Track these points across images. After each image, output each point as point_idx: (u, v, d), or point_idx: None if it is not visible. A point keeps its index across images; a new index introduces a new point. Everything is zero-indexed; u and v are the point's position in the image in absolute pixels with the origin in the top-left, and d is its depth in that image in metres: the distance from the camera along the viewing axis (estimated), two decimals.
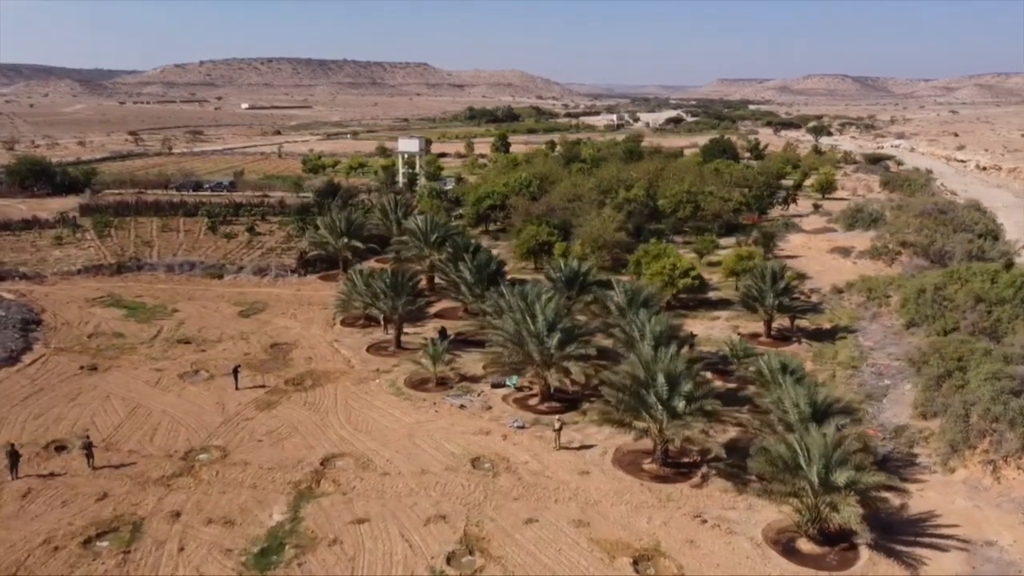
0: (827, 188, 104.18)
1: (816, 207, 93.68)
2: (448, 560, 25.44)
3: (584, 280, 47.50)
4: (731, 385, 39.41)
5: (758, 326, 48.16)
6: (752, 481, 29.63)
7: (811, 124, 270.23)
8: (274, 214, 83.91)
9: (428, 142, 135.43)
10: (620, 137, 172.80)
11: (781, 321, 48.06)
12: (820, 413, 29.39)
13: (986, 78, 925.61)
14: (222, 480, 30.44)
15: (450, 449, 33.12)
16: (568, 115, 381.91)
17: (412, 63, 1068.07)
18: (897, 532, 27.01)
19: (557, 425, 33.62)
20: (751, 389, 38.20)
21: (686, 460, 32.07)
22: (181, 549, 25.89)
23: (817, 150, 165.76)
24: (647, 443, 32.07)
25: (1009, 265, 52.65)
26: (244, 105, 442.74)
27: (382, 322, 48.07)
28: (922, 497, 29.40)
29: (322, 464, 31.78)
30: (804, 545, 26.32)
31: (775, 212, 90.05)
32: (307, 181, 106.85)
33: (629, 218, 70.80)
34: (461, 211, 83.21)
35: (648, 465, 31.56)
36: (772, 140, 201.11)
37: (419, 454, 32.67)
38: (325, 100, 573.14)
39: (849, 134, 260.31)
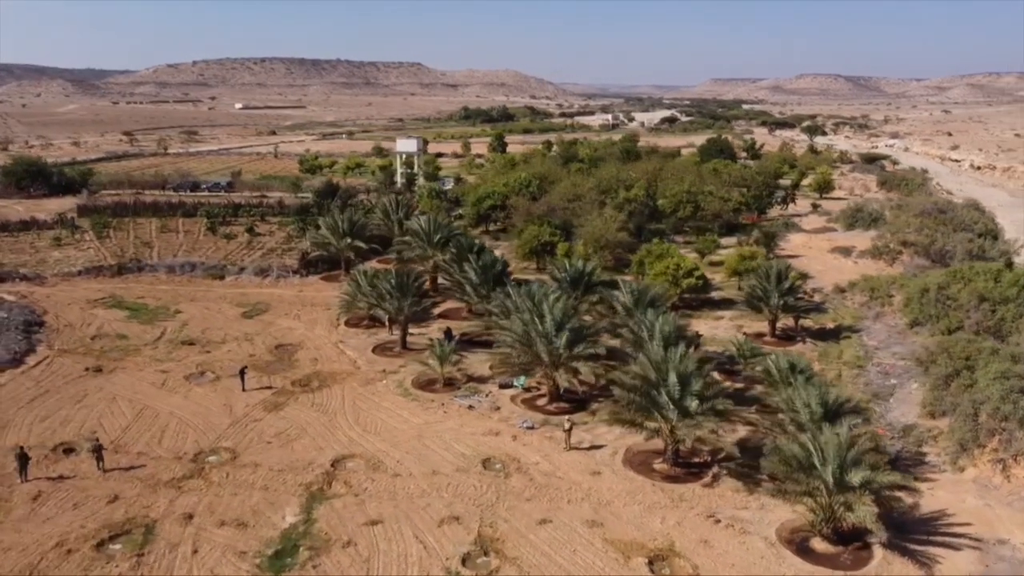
0: (825, 188, 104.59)
1: (815, 207, 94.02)
2: (463, 561, 25.41)
3: (589, 280, 47.52)
4: (738, 385, 39.48)
5: (762, 326, 48.27)
6: (764, 481, 29.72)
7: (805, 124, 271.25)
8: (273, 214, 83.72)
9: (425, 142, 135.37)
10: (616, 137, 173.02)
11: (785, 321, 48.17)
12: (831, 413, 29.49)
13: (978, 78, 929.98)
14: (233, 482, 30.35)
15: (460, 450, 33.09)
16: (563, 115, 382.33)
17: (406, 63, 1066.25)
18: (909, 531, 27.10)
19: (567, 425, 33.62)
20: (758, 389, 38.39)
21: (696, 460, 32.12)
22: (195, 551, 25.80)
23: (813, 150, 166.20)
24: (657, 443, 32.12)
25: (1009, 264, 52.96)
26: (238, 105, 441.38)
27: (387, 323, 47.99)
28: (933, 496, 29.49)
29: (333, 465, 31.71)
30: (818, 544, 26.39)
31: (774, 212, 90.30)
32: (305, 181, 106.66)
33: (630, 218, 70.87)
34: (461, 211, 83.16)
35: (659, 465, 31.59)
36: (767, 140, 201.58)
37: (429, 455, 32.63)
38: (319, 100, 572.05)
39: (843, 134, 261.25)
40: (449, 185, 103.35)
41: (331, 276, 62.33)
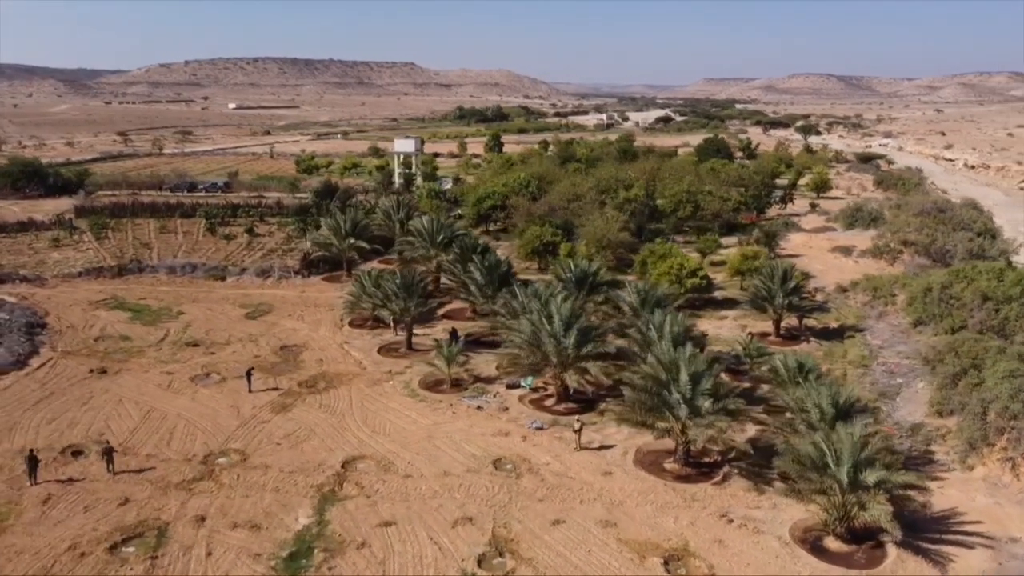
0: (822, 187, 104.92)
1: (813, 206, 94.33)
2: (479, 562, 25.39)
3: (594, 281, 47.53)
4: (745, 384, 39.54)
5: (766, 325, 48.37)
6: (774, 480, 29.86)
7: (799, 123, 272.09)
8: (272, 215, 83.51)
9: (421, 142, 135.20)
10: (612, 137, 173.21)
11: (789, 320, 48.29)
12: (842, 413, 29.58)
13: (969, 77, 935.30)
14: (244, 484, 30.25)
15: (470, 451, 33.06)
16: (557, 114, 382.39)
17: (399, 63, 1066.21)
18: (921, 530, 27.19)
19: (577, 426, 33.63)
20: (764, 388, 38.50)
21: (707, 460, 32.17)
22: (209, 553, 25.71)
23: (808, 149, 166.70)
24: (668, 443, 32.19)
25: (1008, 264, 53.18)
26: (231, 105, 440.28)
27: (391, 324, 47.90)
28: (943, 494, 29.60)
29: (343, 467, 31.64)
30: (832, 543, 26.47)
31: (772, 211, 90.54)
32: (303, 182, 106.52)
33: (631, 218, 70.95)
34: (460, 211, 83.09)
35: (670, 465, 31.64)
36: (762, 139, 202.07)
37: (440, 456, 32.59)
38: (312, 100, 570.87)
39: (837, 133, 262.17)
40: (447, 185, 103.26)
41: (333, 277, 62.20)
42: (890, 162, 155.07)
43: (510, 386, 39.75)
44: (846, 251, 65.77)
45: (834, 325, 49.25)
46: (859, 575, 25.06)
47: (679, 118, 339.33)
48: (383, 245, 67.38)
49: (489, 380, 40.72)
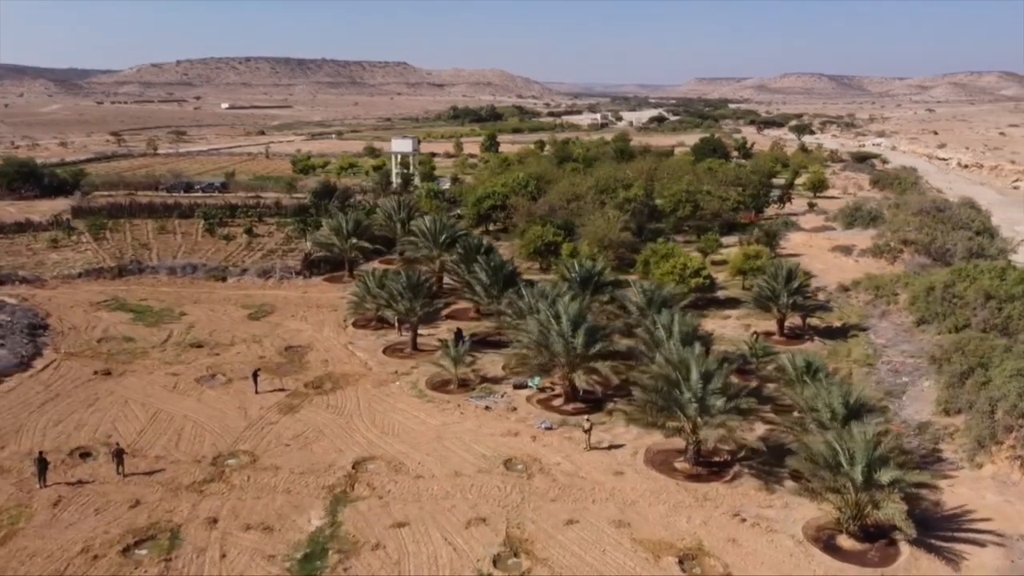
0: (819, 187, 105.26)
1: (811, 206, 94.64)
2: (494, 562, 25.38)
3: (599, 280, 47.56)
4: (752, 384, 39.57)
5: (769, 324, 48.50)
6: (785, 479, 29.96)
7: (793, 123, 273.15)
8: (271, 215, 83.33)
9: (418, 141, 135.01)
10: (608, 136, 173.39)
11: (792, 319, 48.44)
12: (852, 411, 29.68)
13: (959, 77, 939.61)
14: (255, 485, 30.16)
15: (481, 451, 33.04)
16: (551, 114, 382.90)
17: (391, 62, 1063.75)
18: (933, 528, 27.30)
19: (587, 425, 33.63)
20: (770, 387, 38.57)
21: (717, 459, 32.24)
22: (223, 556, 25.61)
23: (803, 148, 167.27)
24: (677, 442, 32.24)
25: (1008, 262, 53.45)
26: (224, 105, 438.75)
27: (396, 324, 47.80)
28: (953, 492, 29.74)
29: (354, 467, 31.56)
30: (845, 542, 26.55)
31: (771, 211, 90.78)
32: (300, 182, 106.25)
33: (632, 218, 71.02)
34: (459, 211, 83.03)
35: (680, 464, 31.68)
36: (757, 139, 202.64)
37: (450, 456, 32.56)
38: (305, 100, 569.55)
39: (830, 132, 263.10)
40: (446, 185, 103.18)
41: (334, 277, 62.08)
42: (884, 161, 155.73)
43: (517, 386, 39.75)
44: (846, 250, 66.01)
45: (837, 324, 49.43)
46: (873, 574, 25.15)
47: (673, 118, 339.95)
48: (384, 245, 67.30)
49: (496, 380, 40.72)
